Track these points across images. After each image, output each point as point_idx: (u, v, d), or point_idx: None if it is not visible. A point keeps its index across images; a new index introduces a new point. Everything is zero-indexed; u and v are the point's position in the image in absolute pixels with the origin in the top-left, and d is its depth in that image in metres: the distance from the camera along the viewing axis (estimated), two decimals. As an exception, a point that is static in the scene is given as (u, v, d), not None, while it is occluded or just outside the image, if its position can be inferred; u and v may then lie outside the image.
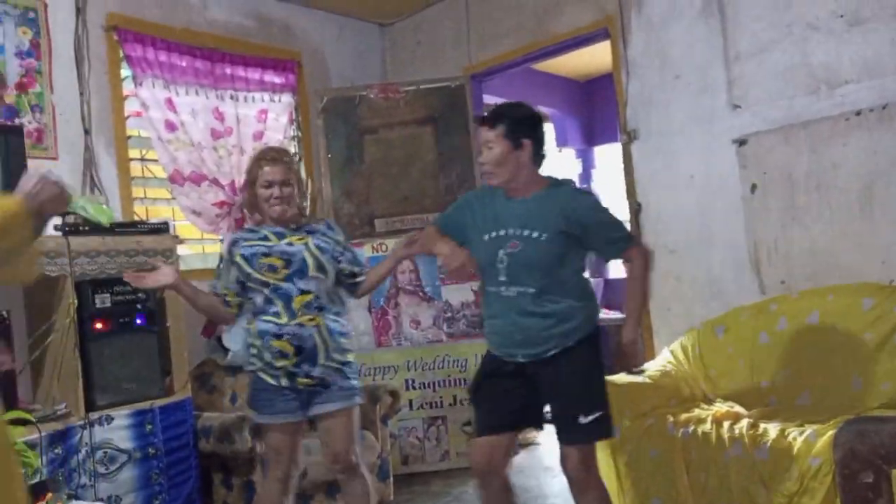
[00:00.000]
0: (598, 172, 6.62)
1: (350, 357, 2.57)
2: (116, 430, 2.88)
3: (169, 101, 3.77)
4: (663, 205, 3.74)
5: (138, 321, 3.05)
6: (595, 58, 5.17)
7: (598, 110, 6.32)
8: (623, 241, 2.36)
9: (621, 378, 3.12)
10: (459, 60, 4.56)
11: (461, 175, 4.33)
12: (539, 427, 2.54)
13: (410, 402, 4.06)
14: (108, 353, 2.93)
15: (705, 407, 3.00)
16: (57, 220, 2.91)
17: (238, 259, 2.51)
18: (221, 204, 3.87)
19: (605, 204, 2.40)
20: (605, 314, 6.07)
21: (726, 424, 2.67)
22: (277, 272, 2.47)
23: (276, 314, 2.46)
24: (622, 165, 3.92)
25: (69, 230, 2.88)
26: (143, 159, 3.81)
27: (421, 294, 4.14)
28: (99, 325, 2.93)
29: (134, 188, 3.72)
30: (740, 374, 3.11)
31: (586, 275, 2.44)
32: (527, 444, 4.38)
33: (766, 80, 3.34)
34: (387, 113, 4.38)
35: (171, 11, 3.91)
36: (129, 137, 3.74)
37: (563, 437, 2.32)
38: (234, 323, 2.63)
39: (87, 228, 2.92)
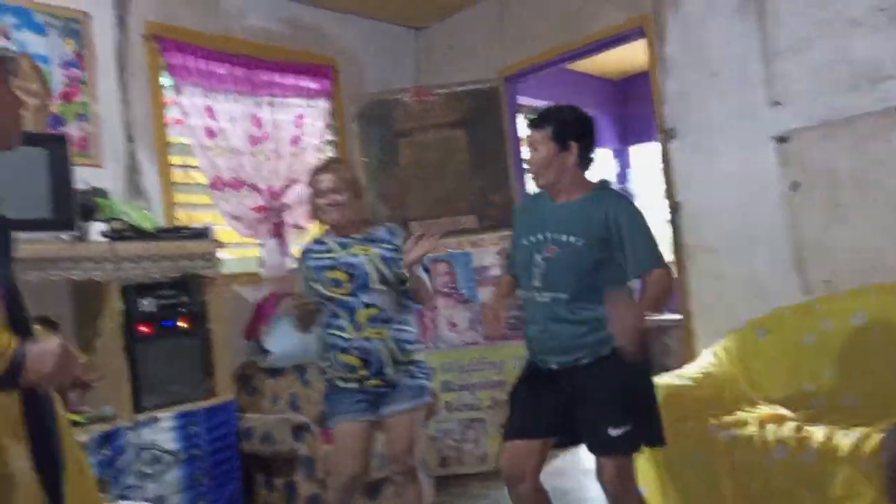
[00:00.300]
0: (634, 172, 6.56)
1: (418, 356, 2.60)
2: (162, 431, 2.93)
3: (208, 109, 3.84)
4: (702, 203, 3.69)
5: (182, 324, 3.11)
6: (630, 56, 5.13)
7: (633, 109, 6.26)
8: (648, 259, 2.25)
9: (662, 381, 3.09)
10: (493, 63, 4.56)
11: (495, 176, 4.33)
12: (573, 444, 2.46)
13: (448, 404, 4.07)
14: (154, 356, 2.99)
15: (748, 409, 2.94)
16: (103, 227, 2.98)
17: (307, 271, 2.60)
18: (260, 209, 3.93)
19: (647, 220, 2.33)
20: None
21: (771, 427, 2.63)
22: (342, 286, 2.51)
23: (342, 328, 2.52)
24: (660, 164, 3.88)
25: (114, 236, 2.95)
26: (184, 166, 3.88)
27: (457, 296, 4.14)
28: (144, 329, 2.99)
29: (175, 194, 3.79)
30: (784, 375, 3.06)
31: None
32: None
33: (806, 76, 3.28)
34: (421, 116, 4.40)
35: (209, 19, 3.98)
36: (171, 144, 3.81)
37: (593, 449, 2.28)
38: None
39: (131, 234, 3.00)
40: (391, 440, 2.59)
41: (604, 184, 2.42)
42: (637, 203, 2.48)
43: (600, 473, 2.28)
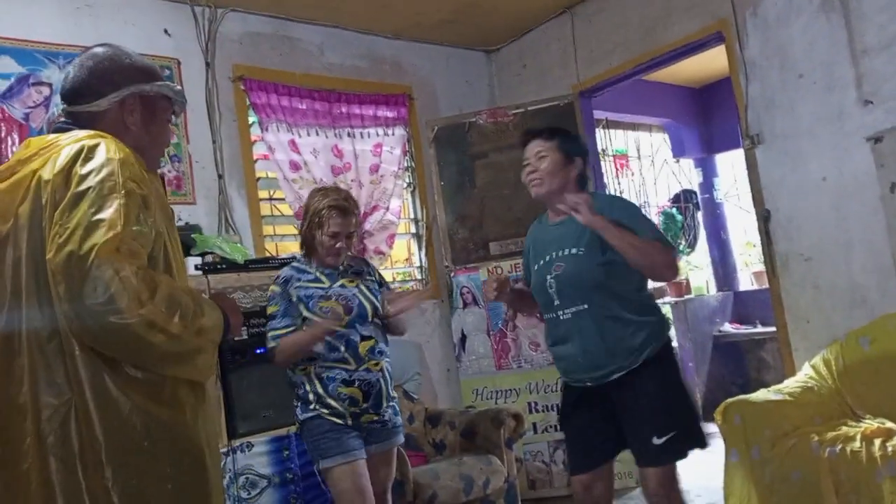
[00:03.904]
0: (721, 181, 6.36)
1: (394, 392, 2.61)
2: (256, 456, 3.04)
3: (292, 143, 4.00)
4: (794, 210, 3.54)
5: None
6: (709, 62, 5.02)
7: (716, 116, 6.10)
8: (648, 232, 2.24)
9: (758, 396, 2.98)
10: (567, 79, 4.55)
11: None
12: (622, 450, 2.42)
13: (534, 425, 4.03)
14: (247, 383, 3.11)
15: (853, 424, 2.79)
16: (197, 261, 3.14)
17: (295, 300, 2.48)
18: (343, 236, 4.04)
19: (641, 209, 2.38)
20: (734, 329, 5.82)
21: (877, 442, 2.48)
22: (341, 319, 2.43)
23: (344, 360, 2.44)
24: (746, 172, 3.75)
25: (208, 268, 3.10)
26: (271, 199, 4.06)
27: (538, 316, 4.10)
28: (237, 357, 3.12)
29: (264, 226, 3.95)
30: (890, 387, 2.87)
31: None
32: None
33: (899, 71, 3.11)
34: (496, 137, 4.43)
35: (291, 59, 4.16)
36: (258, 179, 3.99)
37: (639, 460, 2.25)
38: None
39: (224, 266, 3.14)
40: (373, 480, 2.47)
41: (594, 191, 2.46)
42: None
43: (644, 484, 2.27)
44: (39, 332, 1.28)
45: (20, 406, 1.27)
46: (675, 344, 5.92)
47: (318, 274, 2.54)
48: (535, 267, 2.40)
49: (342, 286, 2.53)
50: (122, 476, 1.25)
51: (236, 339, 1.89)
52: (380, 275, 2.72)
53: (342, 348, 2.44)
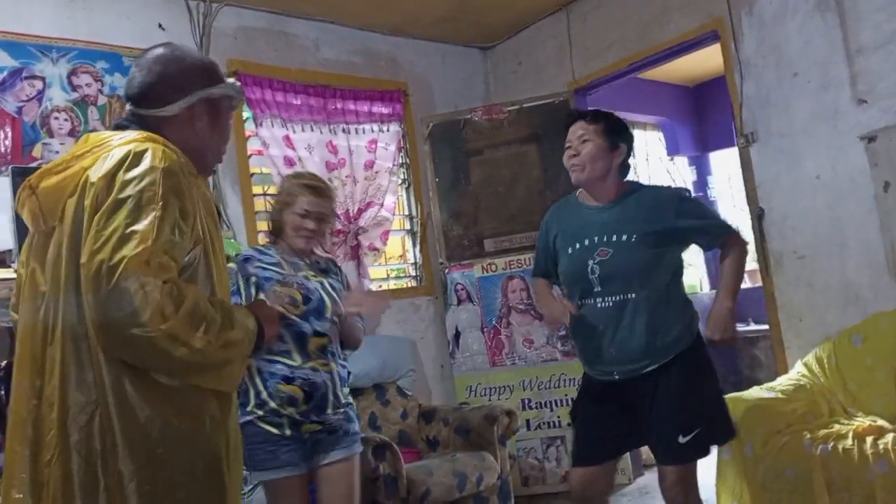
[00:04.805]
0: (714, 179, 6.38)
1: (351, 399, 2.39)
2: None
3: (287, 139, 3.99)
4: (788, 209, 3.55)
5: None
6: (704, 61, 5.03)
7: (710, 115, 6.11)
8: (721, 228, 2.26)
9: (751, 394, 2.99)
10: (562, 77, 4.55)
11: (567, 190, 4.28)
12: (637, 447, 2.44)
13: (528, 422, 4.03)
14: (241, 378, 3.10)
15: (845, 422, 2.80)
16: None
17: (253, 280, 2.28)
18: (337, 232, 4.04)
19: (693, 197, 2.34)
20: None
21: (869, 440, 2.50)
22: (297, 307, 2.22)
23: (287, 354, 2.23)
24: (741, 170, 3.76)
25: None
26: (265, 194, 4.04)
27: (533, 313, 4.12)
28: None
29: (258, 222, 3.94)
30: (882, 385, 2.89)
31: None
32: (652, 465, 4.24)
33: (893, 72, 3.12)
34: (491, 134, 4.43)
35: (286, 54, 4.15)
36: (252, 175, 3.98)
37: (662, 459, 2.22)
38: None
39: (217, 262, 3.13)
40: (329, 495, 2.29)
41: (638, 183, 2.41)
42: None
43: (662, 480, 2.23)
44: (75, 328, 1.30)
45: (47, 396, 1.31)
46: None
47: (280, 259, 2.34)
48: (570, 251, 2.29)
49: (305, 277, 2.32)
50: (136, 480, 1.27)
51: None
52: (348, 281, 2.54)
53: (288, 339, 2.22)
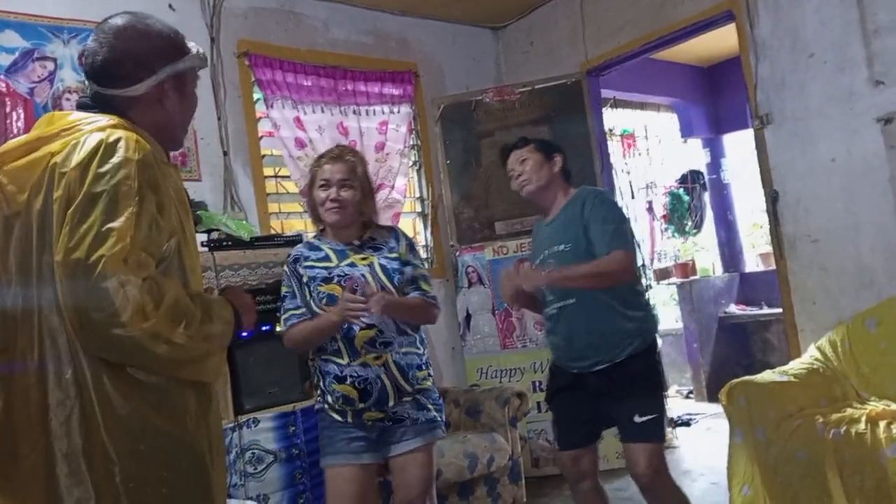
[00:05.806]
0: (728, 161, 6.32)
1: (427, 384, 2.29)
2: (262, 432, 3.05)
3: (297, 120, 3.97)
4: (803, 191, 3.52)
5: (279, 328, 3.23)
6: (719, 41, 4.97)
7: (725, 96, 6.04)
8: (616, 239, 2.31)
9: (764, 378, 2.98)
10: (574, 58, 4.50)
11: (580, 171, 4.27)
12: (608, 427, 2.56)
13: (538, 404, 4.04)
14: (253, 360, 3.11)
15: (858, 406, 2.79)
16: (203, 237, 3.14)
17: (306, 280, 2.24)
18: (349, 214, 4.03)
19: (619, 210, 2.46)
20: (740, 310, 5.82)
21: (882, 424, 2.48)
22: (338, 305, 2.13)
23: (338, 353, 2.19)
24: (755, 153, 3.73)
25: (214, 246, 3.10)
26: (276, 176, 4.04)
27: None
28: (243, 334, 3.11)
29: (269, 203, 3.94)
30: (896, 369, 2.88)
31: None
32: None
33: (912, 51, 3.07)
34: (502, 115, 4.40)
35: (296, 34, 4.12)
36: (264, 156, 3.97)
37: (623, 435, 2.37)
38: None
39: (229, 243, 3.14)
40: (403, 485, 2.24)
41: (584, 187, 2.57)
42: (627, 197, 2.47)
43: (632, 467, 2.35)
44: (52, 324, 1.27)
45: (22, 392, 1.27)
46: (679, 325, 5.92)
47: (328, 250, 2.27)
48: (536, 265, 2.53)
49: (351, 265, 2.23)
50: (123, 475, 1.26)
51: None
52: (411, 249, 2.35)
53: (338, 337, 2.17)
